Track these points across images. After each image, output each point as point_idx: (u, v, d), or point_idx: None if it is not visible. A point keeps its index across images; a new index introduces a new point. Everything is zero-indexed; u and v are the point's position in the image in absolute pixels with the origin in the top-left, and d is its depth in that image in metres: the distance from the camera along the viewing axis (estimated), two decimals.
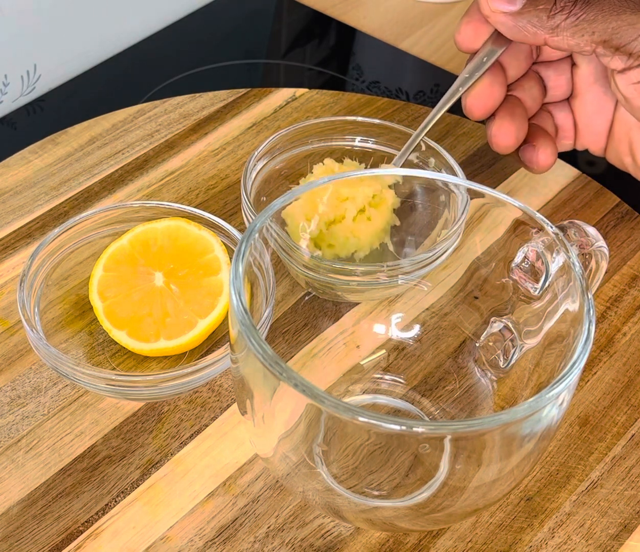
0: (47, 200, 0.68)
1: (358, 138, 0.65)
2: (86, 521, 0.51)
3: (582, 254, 0.51)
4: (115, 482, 0.53)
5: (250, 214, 0.58)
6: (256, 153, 0.62)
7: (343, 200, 0.58)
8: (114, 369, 0.57)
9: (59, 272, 0.60)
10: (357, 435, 0.46)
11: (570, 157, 0.72)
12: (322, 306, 0.58)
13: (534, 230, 0.50)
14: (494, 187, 0.68)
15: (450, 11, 0.92)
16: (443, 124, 0.74)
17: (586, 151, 0.65)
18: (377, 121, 0.65)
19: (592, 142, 0.64)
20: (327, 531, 0.51)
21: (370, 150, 0.65)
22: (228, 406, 0.56)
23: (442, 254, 0.56)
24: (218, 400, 0.56)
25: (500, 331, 0.54)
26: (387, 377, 0.56)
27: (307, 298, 0.58)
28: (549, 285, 0.50)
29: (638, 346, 0.60)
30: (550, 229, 0.49)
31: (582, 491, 0.53)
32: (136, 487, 0.52)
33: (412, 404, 0.55)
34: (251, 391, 0.45)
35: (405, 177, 0.58)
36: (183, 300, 0.57)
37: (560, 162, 0.71)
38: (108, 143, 0.72)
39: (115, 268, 0.59)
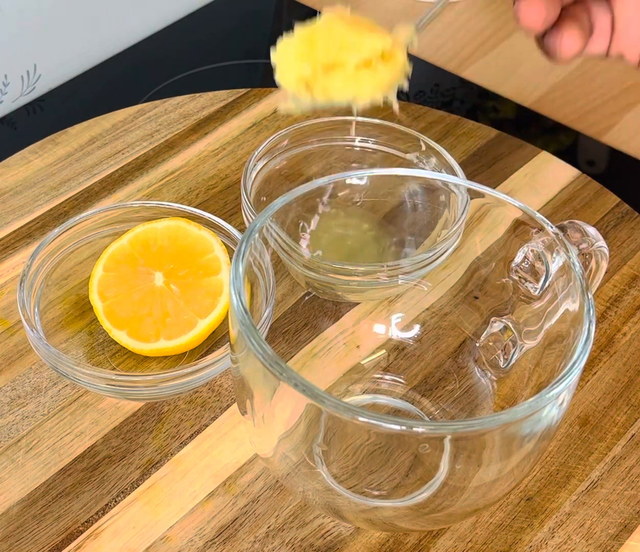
0: (47, 200, 0.68)
1: (358, 138, 0.65)
2: (86, 521, 0.51)
3: (582, 254, 0.51)
4: (115, 482, 0.53)
5: (250, 214, 0.58)
6: (256, 153, 0.62)
7: (346, 47, 0.51)
8: (114, 369, 0.57)
9: (59, 272, 0.60)
10: (357, 435, 0.46)
11: (570, 157, 0.72)
12: (322, 306, 0.58)
13: (534, 230, 0.50)
14: (494, 187, 0.68)
15: (450, 11, 0.92)
16: (443, 124, 0.74)
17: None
18: (377, 121, 0.65)
19: (628, 47, 0.55)
20: (327, 531, 0.51)
21: (370, 150, 0.65)
22: (228, 406, 0.56)
23: (442, 254, 0.56)
24: (218, 400, 0.56)
25: (500, 330, 0.54)
26: (387, 377, 0.56)
27: (307, 298, 0.58)
28: (549, 285, 0.50)
29: (638, 346, 0.60)
30: (550, 229, 0.49)
31: (582, 491, 0.53)
32: (136, 487, 0.52)
33: (412, 404, 0.55)
34: (251, 391, 0.45)
35: (404, 174, 0.58)
36: (183, 300, 0.57)
37: (560, 162, 0.71)
38: (108, 143, 0.72)
39: (115, 268, 0.59)
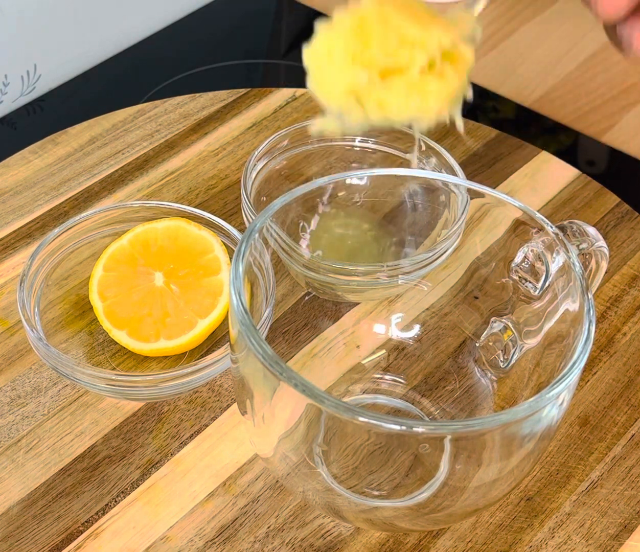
0: (47, 200, 0.68)
1: (358, 138, 0.65)
2: (86, 521, 0.51)
3: (582, 254, 0.51)
4: (115, 482, 0.53)
5: (250, 214, 0.58)
6: (256, 153, 0.62)
7: (408, 42, 0.40)
8: (114, 369, 0.57)
9: (59, 272, 0.60)
10: (357, 435, 0.46)
11: (570, 157, 0.72)
12: (322, 305, 0.58)
13: (534, 230, 0.50)
14: (494, 187, 0.68)
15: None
16: (443, 124, 0.74)
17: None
18: None
19: None
20: (327, 531, 0.51)
21: (370, 150, 0.65)
22: (228, 406, 0.56)
23: (442, 254, 0.56)
24: (218, 400, 0.56)
25: (500, 330, 0.54)
26: (387, 377, 0.56)
27: (307, 298, 0.58)
28: (549, 285, 0.50)
29: (638, 346, 0.60)
30: (550, 229, 0.49)
31: (582, 491, 0.53)
32: (136, 487, 0.52)
33: (412, 404, 0.55)
34: (251, 391, 0.45)
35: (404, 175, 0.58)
36: (183, 300, 0.57)
37: (560, 162, 0.71)
38: (108, 143, 0.72)
39: (115, 268, 0.59)
